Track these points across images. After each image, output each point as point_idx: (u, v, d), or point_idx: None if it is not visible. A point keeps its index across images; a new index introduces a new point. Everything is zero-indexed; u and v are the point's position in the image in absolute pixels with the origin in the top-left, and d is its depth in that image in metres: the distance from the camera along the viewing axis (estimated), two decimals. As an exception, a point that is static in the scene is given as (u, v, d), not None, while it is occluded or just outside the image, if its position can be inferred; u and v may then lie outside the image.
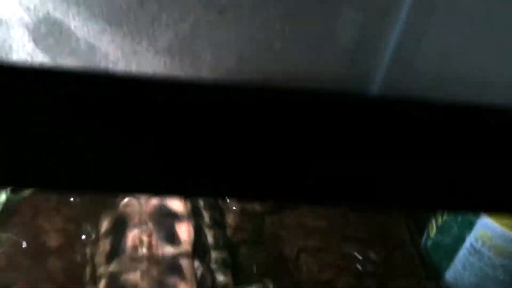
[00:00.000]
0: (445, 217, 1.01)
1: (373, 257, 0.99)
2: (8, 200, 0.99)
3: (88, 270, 0.93)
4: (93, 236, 0.97)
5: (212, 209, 0.99)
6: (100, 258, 0.92)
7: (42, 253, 0.98)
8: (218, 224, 0.98)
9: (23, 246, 0.97)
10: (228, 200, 1.02)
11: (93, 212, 1.00)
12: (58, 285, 0.94)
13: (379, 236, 1.03)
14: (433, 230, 1.04)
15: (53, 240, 1.00)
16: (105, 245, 0.92)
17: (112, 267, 0.89)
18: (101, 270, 0.90)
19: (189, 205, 0.96)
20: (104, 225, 0.96)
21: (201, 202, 0.99)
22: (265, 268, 0.96)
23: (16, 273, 0.95)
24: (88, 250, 0.95)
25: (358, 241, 1.01)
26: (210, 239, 0.94)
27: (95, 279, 0.90)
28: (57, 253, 0.98)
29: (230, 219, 1.00)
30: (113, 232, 0.93)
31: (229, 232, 0.99)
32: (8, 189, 0.96)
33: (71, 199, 1.05)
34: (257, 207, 1.03)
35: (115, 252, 0.90)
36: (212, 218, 0.97)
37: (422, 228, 1.08)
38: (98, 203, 1.01)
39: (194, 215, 0.95)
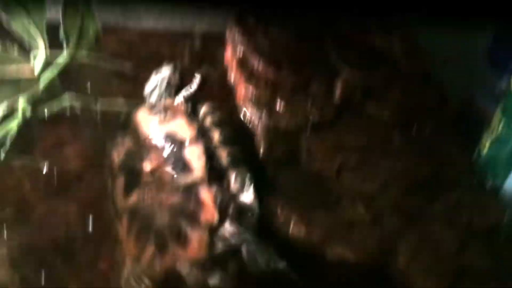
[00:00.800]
0: (500, 131, 0.92)
1: (421, 173, 0.90)
2: (27, 125, 0.93)
3: (109, 202, 0.87)
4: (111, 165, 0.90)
5: (222, 125, 0.90)
6: (117, 191, 0.86)
7: (64, 180, 0.93)
8: (231, 139, 0.89)
9: (44, 172, 0.92)
10: (259, 117, 0.94)
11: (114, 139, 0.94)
12: (80, 212, 0.89)
13: (427, 152, 0.94)
14: (486, 145, 0.94)
15: (74, 166, 0.95)
16: (120, 177, 0.86)
17: (130, 200, 0.83)
18: (120, 205, 0.84)
19: (196, 126, 0.87)
20: (118, 154, 0.89)
21: (208, 121, 0.90)
22: (301, 187, 0.89)
23: (37, 200, 0.90)
24: (108, 181, 0.89)
25: (403, 157, 0.92)
26: (224, 158, 0.86)
27: (117, 212, 0.84)
28: (78, 179, 0.93)
29: (262, 137, 0.93)
30: (126, 163, 0.87)
31: (260, 151, 0.92)
32: (25, 111, 0.89)
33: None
34: (291, 124, 0.95)
35: (130, 185, 0.84)
36: (223, 135, 0.89)
37: (471, 144, 0.99)
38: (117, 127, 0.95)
39: (204, 137, 0.87)
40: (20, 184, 0.91)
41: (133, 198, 0.82)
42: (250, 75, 1.02)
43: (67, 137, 0.98)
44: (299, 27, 1.10)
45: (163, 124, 0.89)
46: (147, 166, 0.84)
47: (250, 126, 0.96)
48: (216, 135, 0.88)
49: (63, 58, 0.71)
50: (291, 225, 0.82)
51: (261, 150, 0.91)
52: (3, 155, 0.82)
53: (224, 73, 1.09)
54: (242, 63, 1.04)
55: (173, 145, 0.85)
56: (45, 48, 0.69)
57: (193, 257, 0.76)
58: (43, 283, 0.80)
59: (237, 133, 0.91)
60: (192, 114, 0.92)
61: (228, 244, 0.77)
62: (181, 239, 0.77)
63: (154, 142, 0.87)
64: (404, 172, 0.90)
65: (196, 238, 0.77)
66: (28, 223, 0.87)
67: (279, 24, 1.10)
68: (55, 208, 0.89)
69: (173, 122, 0.89)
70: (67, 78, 0.94)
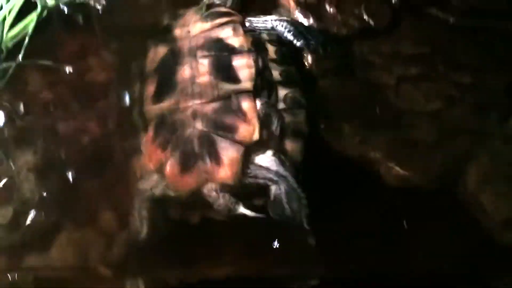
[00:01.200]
0: None
1: (491, 87, 0.80)
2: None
3: (136, 110, 0.79)
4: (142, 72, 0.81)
5: (278, 43, 0.80)
6: (147, 98, 0.76)
7: (89, 89, 0.84)
8: (287, 58, 0.79)
9: (67, 75, 0.82)
10: (307, 23, 0.83)
11: (142, 48, 0.84)
12: (106, 122, 0.81)
13: (496, 64, 0.83)
14: None
15: (100, 76, 0.85)
16: (152, 84, 0.76)
17: (160, 107, 0.74)
18: (148, 111, 0.76)
19: (250, 38, 0.77)
20: (151, 61, 0.79)
21: (265, 36, 0.80)
22: (357, 101, 0.79)
23: (62, 108, 0.82)
24: (136, 89, 0.80)
25: (469, 68, 0.81)
26: (276, 75, 0.76)
27: (144, 121, 0.76)
28: (104, 88, 0.84)
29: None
30: (161, 69, 0.77)
31: (309, 62, 0.81)
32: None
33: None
34: (342, 30, 0.83)
35: (163, 91, 0.74)
36: (279, 52, 0.79)
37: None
38: (148, 36, 0.85)
39: (256, 49, 0.76)
40: (41, 91, 0.83)
41: (164, 104, 0.74)
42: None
43: (91, 45, 0.87)
44: None
45: (212, 30, 0.78)
46: (186, 71, 0.75)
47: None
48: (271, 50, 0.78)
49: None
50: (346, 144, 0.74)
51: (311, 60, 0.81)
52: (22, 53, 0.72)
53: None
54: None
55: (220, 52, 0.75)
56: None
57: (222, 179, 0.68)
58: (67, 197, 0.75)
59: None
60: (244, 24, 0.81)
61: (262, 177, 0.70)
62: (212, 156, 0.69)
63: (198, 48, 0.76)
64: (473, 86, 0.79)
65: (228, 156, 0.69)
66: (52, 135, 0.80)
67: None
68: (78, 120, 0.81)
69: (224, 29, 0.78)
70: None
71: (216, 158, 0.69)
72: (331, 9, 0.84)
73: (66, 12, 0.83)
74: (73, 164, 0.77)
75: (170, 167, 0.70)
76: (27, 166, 0.76)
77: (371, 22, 0.84)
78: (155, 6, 0.91)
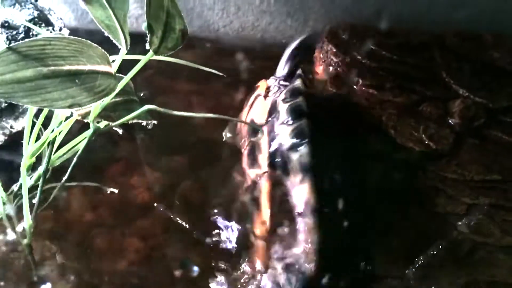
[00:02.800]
0: None
1: None
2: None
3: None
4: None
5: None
6: None
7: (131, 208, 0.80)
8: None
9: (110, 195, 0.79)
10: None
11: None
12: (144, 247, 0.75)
13: None
14: None
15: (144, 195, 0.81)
16: None
17: None
18: None
19: None
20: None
21: None
22: (421, 231, 0.71)
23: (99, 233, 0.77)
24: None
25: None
26: None
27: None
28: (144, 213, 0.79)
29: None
30: None
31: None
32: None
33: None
34: (402, 154, 0.78)
35: None
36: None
37: None
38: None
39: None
40: (82, 213, 0.79)
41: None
42: (349, 93, 0.87)
43: (137, 164, 0.85)
44: (402, 43, 0.95)
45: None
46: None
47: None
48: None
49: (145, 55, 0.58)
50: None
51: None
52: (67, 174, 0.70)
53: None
54: (338, 82, 0.89)
55: None
56: (126, 43, 0.57)
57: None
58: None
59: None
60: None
61: None
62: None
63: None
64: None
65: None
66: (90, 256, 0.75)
67: (378, 41, 0.95)
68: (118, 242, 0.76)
69: None
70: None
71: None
72: (390, 130, 0.80)
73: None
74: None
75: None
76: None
77: (432, 145, 0.79)
78: (206, 125, 0.90)
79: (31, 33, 0.91)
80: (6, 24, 0.93)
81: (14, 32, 0.93)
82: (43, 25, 0.96)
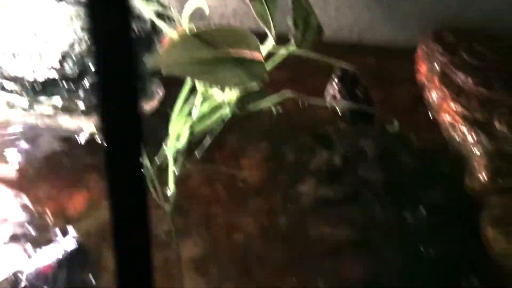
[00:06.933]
0: None
1: None
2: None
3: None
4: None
5: None
6: None
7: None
8: None
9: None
10: (476, 140, 0.81)
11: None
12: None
13: None
14: None
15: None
16: None
17: None
18: None
19: None
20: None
21: None
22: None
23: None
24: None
25: None
26: None
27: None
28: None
29: (483, 162, 0.79)
30: None
31: (483, 178, 0.79)
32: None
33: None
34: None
35: None
36: None
37: None
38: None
39: None
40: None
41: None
42: (458, 92, 0.90)
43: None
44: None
45: None
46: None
47: (458, 147, 0.84)
48: None
49: (287, 48, 0.65)
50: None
51: (484, 177, 0.78)
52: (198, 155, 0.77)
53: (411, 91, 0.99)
54: (446, 80, 0.93)
55: None
56: (273, 35, 0.64)
57: None
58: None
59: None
60: None
61: None
62: None
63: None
64: None
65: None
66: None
67: (485, 44, 0.98)
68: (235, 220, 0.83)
69: None
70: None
71: None
72: (502, 128, 0.83)
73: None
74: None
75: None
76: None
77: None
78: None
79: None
80: (136, 16, 1.02)
81: (142, 24, 1.02)
82: (166, 20, 1.05)
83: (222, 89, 0.63)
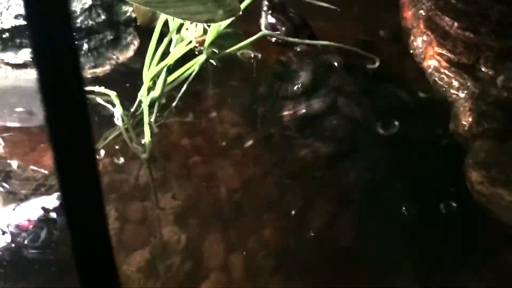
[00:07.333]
0: None
1: None
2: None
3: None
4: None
5: None
6: None
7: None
8: None
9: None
10: (462, 84, 0.79)
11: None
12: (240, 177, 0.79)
13: None
14: None
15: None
16: None
17: None
18: None
19: None
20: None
21: None
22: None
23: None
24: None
25: None
26: None
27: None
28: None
29: (467, 106, 0.77)
30: None
31: (466, 122, 0.77)
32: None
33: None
34: (503, 93, 0.78)
35: None
36: None
37: None
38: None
39: None
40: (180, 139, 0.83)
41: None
42: (444, 36, 0.87)
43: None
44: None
45: None
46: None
47: (443, 92, 0.81)
48: None
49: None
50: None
51: (468, 121, 0.76)
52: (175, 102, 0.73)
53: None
54: (432, 25, 0.90)
55: None
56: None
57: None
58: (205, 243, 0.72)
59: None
60: None
61: None
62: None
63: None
64: None
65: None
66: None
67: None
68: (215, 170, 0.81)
69: None
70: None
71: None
72: (488, 71, 0.80)
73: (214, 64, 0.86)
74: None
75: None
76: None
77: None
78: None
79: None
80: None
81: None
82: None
83: (192, 22, 0.59)
